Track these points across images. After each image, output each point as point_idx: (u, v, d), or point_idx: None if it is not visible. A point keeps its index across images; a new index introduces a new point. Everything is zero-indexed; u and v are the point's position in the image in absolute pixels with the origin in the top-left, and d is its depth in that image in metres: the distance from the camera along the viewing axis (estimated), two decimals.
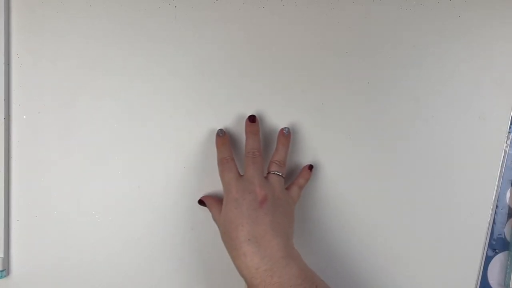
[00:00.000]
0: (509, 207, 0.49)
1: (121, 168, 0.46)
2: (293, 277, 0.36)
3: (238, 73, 0.46)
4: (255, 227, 0.38)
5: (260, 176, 0.42)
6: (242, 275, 0.38)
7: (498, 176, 0.48)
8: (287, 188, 0.45)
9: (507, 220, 0.49)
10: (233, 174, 0.42)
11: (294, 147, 0.47)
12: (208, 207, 0.45)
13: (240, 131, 0.47)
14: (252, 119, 0.45)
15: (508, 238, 0.49)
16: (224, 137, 0.45)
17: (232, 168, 0.43)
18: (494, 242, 0.49)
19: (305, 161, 0.47)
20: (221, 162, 0.44)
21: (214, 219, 0.44)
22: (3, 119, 0.45)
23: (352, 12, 0.46)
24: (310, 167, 0.46)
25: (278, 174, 0.43)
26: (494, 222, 0.49)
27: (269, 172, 0.44)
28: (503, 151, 0.48)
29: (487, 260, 0.49)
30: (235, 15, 0.45)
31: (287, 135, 0.45)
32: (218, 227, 0.43)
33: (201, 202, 0.46)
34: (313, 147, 0.47)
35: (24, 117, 0.46)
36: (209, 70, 0.46)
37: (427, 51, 0.46)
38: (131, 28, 0.45)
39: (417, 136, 0.47)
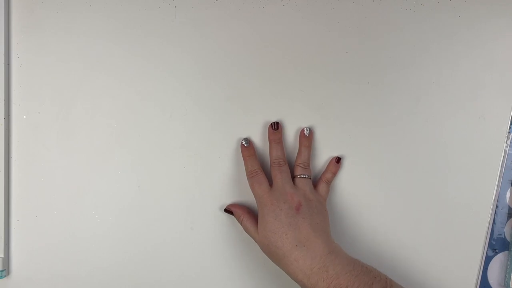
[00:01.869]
0: (509, 207, 0.49)
1: (121, 168, 0.46)
2: (345, 266, 0.39)
3: (238, 73, 0.46)
4: (298, 233, 0.40)
5: (289, 183, 0.43)
6: (298, 280, 0.39)
7: (498, 176, 0.48)
8: (315, 186, 0.46)
9: (507, 220, 0.49)
10: (264, 186, 0.43)
11: (295, 148, 0.47)
12: (237, 218, 0.45)
13: (242, 130, 0.47)
14: (275, 126, 0.45)
15: (508, 238, 0.49)
16: (250, 148, 0.45)
17: (262, 181, 0.44)
18: (494, 242, 0.49)
19: None
20: (250, 175, 0.44)
21: (248, 231, 0.44)
22: (3, 119, 0.45)
23: (352, 12, 0.46)
24: (338, 159, 0.46)
25: (305, 177, 0.44)
26: (494, 222, 0.48)
27: (295, 177, 0.45)
28: (503, 151, 0.48)
29: (487, 260, 0.49)
30: (235, 15, 0.45)
31: (308, 135, 0.46)
32: (254, 238, 0.44)
33: (227, 210, 0.46)
34: (313, 147, 0.47)
35: (24, 117, 0.46)
36: (209, 70, 0.46)
37: (427, 51, 0.46)
38: (131, 28, 0.45)
39: (417, 136, 0.47)
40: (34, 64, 0.45)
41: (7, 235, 0.46)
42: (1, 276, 0.46)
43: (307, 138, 0.46)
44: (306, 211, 0.41)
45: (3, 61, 0.44)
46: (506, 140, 0.47)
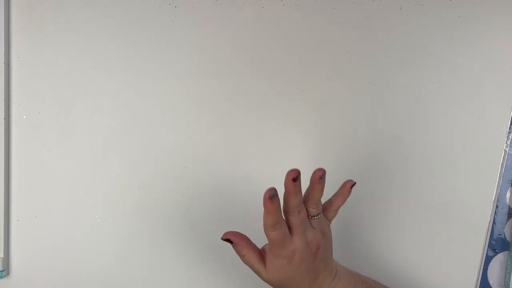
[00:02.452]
0: (509, 207, 0.49)
1: (121, 168, 0.46)
2: (346, 286, 0.41)
3: (238, 73, 0.46)
4: (315, 276, 0.40)
5: (309, 229, 0.39)
6: None
7: (498, 176, 0.48)
8: (323, 210, 0.41)
9: (507, 220, 0.49)
10: (289, 249, 0.38)
11: (294, 148, 0.47)
12: (239, 252, 0.40)
13: (242, 130, 0.47)
14: (295, 178, 0.36)
15: (508, 238, 0.49)
16: (276, 201, 0.37)
17: (288, 242, 0.38)
18: (494, 242, 0.49)
19: (304, 161, 0.47)
20: (273, 229, 0.38)
21: (251, 266, 0.39)
22: (3, 119, 0.45)
23: (352, 12, 0.46)
24: (352, 184, 0.41)
25: (318, 217, 0.40)
26: (494, 222, 0.48)
27: (309, 218, 0.40)
28: (503, 151, 0.48)
29: (487, 260, 0.49)
30: (235, 15, 0.45)
31: (322, 179, 0.38)
32: (259, 274, 0.39)
33: (227, 239, 0.39)
34: (313, 147, 0.47)
35: (24, 117, 0.46)
36: (209, 70, 0.46)
37: (427, 51, 0.46)
38: (131, 28, 0.45)
39: (417, 136, 0.47)
40: (34, 64, 0.45)
41: (7, 235, 0.46)
42: (1, 276, 0.46)
43: (321, 183, 0.39)
44: (322, 253, 0.40)
45: (3, 61, 0.44)
46: (506, 140, 0.47)
